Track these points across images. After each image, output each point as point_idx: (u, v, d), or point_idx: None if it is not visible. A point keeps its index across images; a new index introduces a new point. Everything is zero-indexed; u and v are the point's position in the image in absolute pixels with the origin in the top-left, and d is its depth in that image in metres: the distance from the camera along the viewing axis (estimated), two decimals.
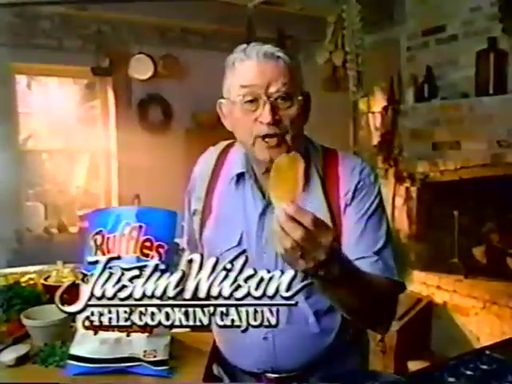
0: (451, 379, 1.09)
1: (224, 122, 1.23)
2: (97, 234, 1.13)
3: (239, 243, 1.18)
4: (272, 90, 1.09)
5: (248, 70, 1.11)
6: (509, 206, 3.28)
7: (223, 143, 1.33)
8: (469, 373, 1.11)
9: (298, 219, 0.84)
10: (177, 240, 1.17)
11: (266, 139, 1.11)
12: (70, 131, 3.98)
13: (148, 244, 1.10)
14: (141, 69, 3.70)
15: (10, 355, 1.15)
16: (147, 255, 1.10)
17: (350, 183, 1.17)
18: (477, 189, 3.24)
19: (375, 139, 3.88)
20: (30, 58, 3.42)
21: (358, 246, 1.14)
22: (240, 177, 1.22)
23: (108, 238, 1.11)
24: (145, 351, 1.09)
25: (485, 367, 1.13)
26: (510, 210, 3.34)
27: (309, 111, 1.19)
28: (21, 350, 1.18)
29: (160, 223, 1.13)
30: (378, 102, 3.90)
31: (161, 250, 1.11)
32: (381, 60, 3.71)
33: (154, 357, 1.10)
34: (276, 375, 1.21)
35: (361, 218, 1.15)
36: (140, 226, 1.11)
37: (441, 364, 1.21)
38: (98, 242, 1.12)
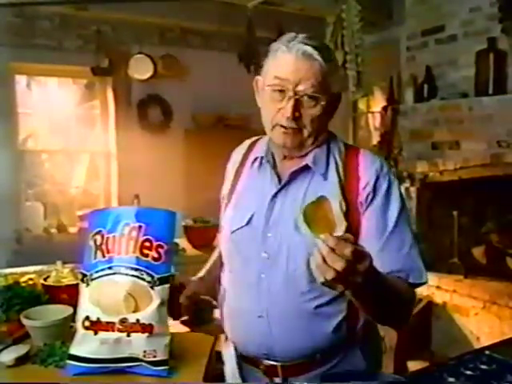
0: (451, 379, 1.09)
1: (256, 97, 1.29)
2: (96, 234, 1.13)
3: (247, 223, 1.23)
4: (300, 88, 1.15)
5: (284, 64, 1.17)
6: (508, 206, 3.28)
7: (256, 137, 1.40)
8: (468, 373, 1.11)
9: (338, 251, 0.89)
10: (176, 240, 1.18)
11: (283, 129, 1.18)
12: (70, 131, 3.98)
13: (148, 244, 1.10)
14: (140, 69, 3.70)
15: (9, 355, 1.15)
16: (147, 255, 1.10)
17: (369, 177, 1.20)
18: (476, 189, 3.24)
19: (375, 139, 3.88)
20: (30, 57, 3.42)
21: (384, 250, 1.15)
22: (261, 161, 1.29)
23: (107, 238, 1.12)
24: (145, 351, 1.09)
25: (484, 367, 1.13)
26: (509, 210, 3.34)
27: (335, 110, 1.24)
28: (21, 350, 1.18)
29: (159, 223, 1.13)
30: (378, 102, 3.90)
31: (160, 250, 1.11)
32: (380, 60, 3.71)
33: (154, 357, 1.09)
34: (272, 362, 1.21)
35: (385, 220, 1.17)
36: (139, 226, 1.11)
37: (440, 364, 1.21)
38: (98, 242, 1.12)
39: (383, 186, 1.19)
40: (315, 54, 1.15)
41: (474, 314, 3.06)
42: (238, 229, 1.24)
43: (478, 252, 3.39)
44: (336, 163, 1.23)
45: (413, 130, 3.50)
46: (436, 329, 3.30)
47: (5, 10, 3.18)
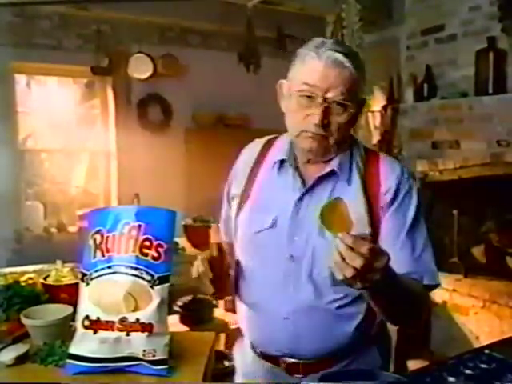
0: (451, 378, 1.09)
1: (280, 102, 1.29)
2: (96, 233, 1.13)
3: (272, 225, 1.23)
4: (329, 95, 1.15)
5: (314, 70, 1.16)
6: (508, 205, 3.28)
7: (268, 137, 1.39)
8: (468, 372, 1.11)
9: (356, 249, 0.92)
10: (176, 239, 1.18)
11: (310, 134, 1.18)
12: (70, 131, 3.98)
13: (147, 243, 1.10)
14: (140, 68, 3.70)
15: (9, 354, 1.15)
16: (146, 254, 1.10)
17: (391, 182, 1.23)
18: (476, 188, 3.24)
19: (375, 138, 3.88)
20: (30, 57, 3.42)
21: (401, 251, 1.19)
22: (282, 163, 1.28)
23: (107, 238, 1.11)
24: (144, 350, 1.09)
25: (484, 366, 1.14)
26: (509, 210, 3.34)
27: (360, 115, 1.26)
28: (20, 349, 1.17)
29: (159, 222, 1.12)
30: (378, 102, 3.90)
31: (160, 250, 1.11)
32: (380, 59, 3.71)
33: (154, 356, 1.09)
34: (294, 360, 1.24)
35: (403, 222, 1.21)
36: (139, 226, 1.11)
37: (440, 363, 1.21)
38: (98, 242, 1.12)
39: (403, 191, 1.23)
40: (345, 61, 1.15)
41: (474, 313, 3.06)
42: (260, 231, 1.24)
43: (477, 251, 3.39)
44: (359, 168, 1.25)
45: (413, 130, 3.50)
46: (436, 328, 3.30)
47: (5, 10, 3.18)
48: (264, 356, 1.29)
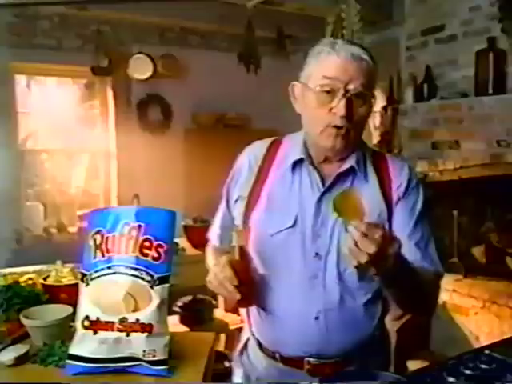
0: (451, 379, 1.09)
1: (294, 104, 1.29)
2: (96, 233, 1.13)
3: (294, 225, 1.23)
4: (351, 86, 1.17)
5: (333, 64, 1.18)
6: (508, 205, 3.28)
7: (270, 138, 1.39)
8: (468, 372, 1.11)
9: (369, 235, 0.96)
10: (176, 240, 1.17)
11: (335, 130, 1.18)
12: (70, 131, 3.98)
13: (147, 243, 1.10)
14: (140, 68, 3.70)
15: (9, 355, 1.15)
16: (146, 255, 1.10)
17: (402, 178, 1.28)
18: (476, 188, 3.24)
19: (375, 139, 3.88)
20: (30, 57, 3.42)
21: (409, 240, 1.23)
22: (297, 163, 1.28)
23: (107, 238, 1.11)
24: (144, 351, 1.09)
25: (484, 367, 1.14)
26: (509, 210, 3.34)
27: (372, 110, 1.27)
28: (20, 349, 1.18)
29: (159, 223, 1.13)
30: (378, 102, 3.89)
31: (160, 250, 1.11)
32: (380, 60, 3.66)
33: (154, 356, 1.09)
34: (317, 362, 1.23)
35: (412, 214, 1.26)
36: (139, 226, 1.11)
37: (440, 363, 1.21)
38: (98, 242, 1.12)
39: (412, 186, 1.28)
40: (362, 53, 1.18)
41: (474, 313, 3.06)
42: (280, 231, 1.23)
43: (477, 251, 3.39)
44: (373, 166, 1.29)
45: (413, 130, 3.50)
46: (435, 328, 3.30)
47: (5, 10, 3.18)
48: (284, 360, 1.27)
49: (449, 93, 3.31)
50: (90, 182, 4.06)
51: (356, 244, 0.96)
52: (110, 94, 3.83)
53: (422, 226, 1.27)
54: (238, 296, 1.12)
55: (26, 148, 3.83)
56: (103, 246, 1.11)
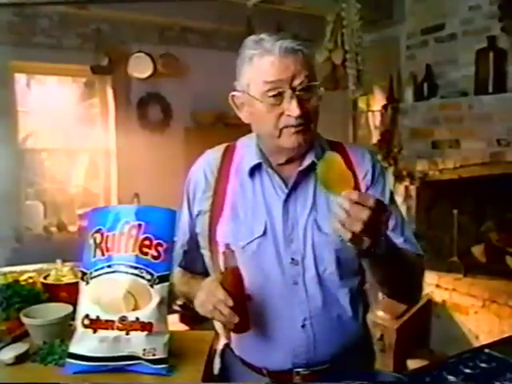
0: (450, 377, 1.09)
1: (239, 114, 1.24)
2: (96, 232, 1.13)
3: (264, 232, 1.18)
4: (296, 82, 1.11)
5: (270, 66, 1.11)
6: (508, 204, 3.28)
7: (222, 145, 1.33)
8: (468, 371, 1.11)
9: (362, 203, 0.91)
10: (176, 239, 1.17)
11: (293, 129, 1.13)
12: (70, 130, 3.98)
13: (147, 242, 1.10)
14: (140, 67, 3.70)
15: (9, 353, 1.15)
16: (146, 253, 1.10)
17: (366, 166, 1.24)
18: (476, 187, 3.24)
19: (375, 138, 3.88)
20: (30, 56, 3.41)
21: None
22: (255, 169, 1.23)
23: (107, 237, 1.11)
24: (144, 349, 1.09)
25: (484, 365, 1.14)
26: (509, 209, 3.34)
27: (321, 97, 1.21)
28: (20, 348, 1.18)
29: (159, 222, 1.13)
30: (378, 101, 3.90)
31: (160, 249, 1.11)
32: (380, 59, 3.71)
33: (154, 355, 1.09)
34: (306, 371, 1.19)
35: (382, 198, 1.19)
36: (139, 225, 1.11)
37: (440, 362, 1.21)
38: (98, 241, 1.12)
39: (378, 172, 1.25)
40: (296, 45, 1.11)
41: (474, 312, 3.06)
42: (251, 241, 1.17)
43: (477, 251, 3.39)
44: None
45: (413, 129, 3.50)
46: (435, 327, 3.30)
47: (4, 9, 3.18)
48: (272, 374, 1.21)
49: (449, 92, 3.31)
50: (90, 181, 4.06)
51: (348, 214, 0.91)
52: (109, 92, 3.82)
53: (394, 211, 1.21)
54: (236, 319, 1.05)
55: (26, 147, 3.83)
56: (103, 245, 1.11)
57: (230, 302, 1.05)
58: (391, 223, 1.17)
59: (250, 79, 1.15)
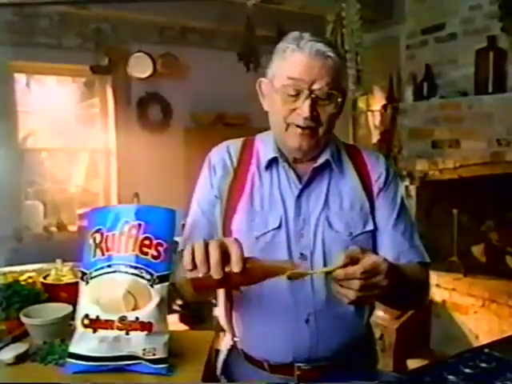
0: (450, 377, 1.09)
1: (262, 101, 1.27)
2: (96, 232, 1.13)
3: (279, 225, 1.20)
4: (315, 86, 1.13)
5: (297, 63, 1.14)
6: (508, 204, 3.28)
7: (240, 139, 1.36)
8: (468, 371, 1.11)
9: (350, 277, 0.93)
10: (176, 238, 1.17)
11: (300, 129, 1.16)
12: (69, 130, 3.98)
13: (147, 242, 1.10)
14: (140, 67, 3.70)
15: (9, 353, 1.15)
16: (146, 253, 1.10)
17: (380, 169, 1.28)
18: (476, 187, 3.24)
19: (374, 137, 3.88)
20: (29, 56, 3.42)
21: (395, 232, 1.23)
22: (272, 162, 1.25)
23: (107, 236, 1.11)
24: (144, 349, 1.09)
25: (484, 365, 1.13)
26: (509, 209, 3.34)
27: (344, 105, 1.23)
28: (20, 348, 1.17)
29: (159, 221, 1.12)
30: (378, 101, 3.90)
31: (160, 249, 1.10)
32: (380, 58, 3.71)
33: (154, 355, 1.09)
34: (307, 367, 1.20)
35: (394, 205, 1.26)
36: (139, 225, 1.11)
37: (440, 362, 1.21)
38: (97, 241, 1.12)
39: (391, 177, 1.28)
40: (328, 50, 1.13)
41: (474, 312, 3.06)
42: (266, 233, 1.19)
43: (477, 250, 3.39)
44: (348, 159, 1.28)
45: (412, 129, 3.50)
46: (435, 327, 3.30)
47: (4, 9, 3.18)
48: (273, 368, 1.23)
49: (449, 91, 3.31)
50: (90, 181, 4.06)
51: (341, 285, 0.94)
52: (109, 92, 3.82)
53: (404, 216, 1.26)
54: (219, 274, 0.91)
55: (26, 147, 3.83)
56: (103, 245, 1.11)
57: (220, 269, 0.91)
58: (400, 228, 1.23)
59: (277, 70, 1.19)
